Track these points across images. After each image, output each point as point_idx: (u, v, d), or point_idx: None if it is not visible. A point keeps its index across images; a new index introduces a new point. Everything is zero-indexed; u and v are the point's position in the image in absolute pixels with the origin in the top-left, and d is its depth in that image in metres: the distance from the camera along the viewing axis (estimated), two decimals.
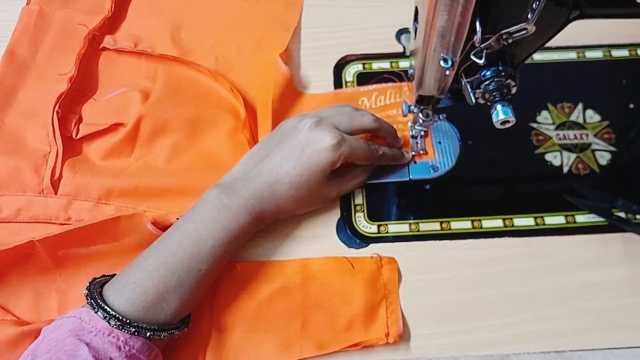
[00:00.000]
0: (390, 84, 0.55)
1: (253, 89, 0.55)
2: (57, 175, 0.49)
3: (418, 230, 0.48)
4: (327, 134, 0.43)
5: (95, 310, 0.37)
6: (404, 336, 0.44)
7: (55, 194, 0.48)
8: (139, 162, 0.51)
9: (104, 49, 0.56)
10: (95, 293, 0.38)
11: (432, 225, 0.49)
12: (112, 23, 0.58)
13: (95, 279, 0.40)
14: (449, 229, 0.48)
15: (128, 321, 0.37)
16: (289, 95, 0.54)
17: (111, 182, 0.48)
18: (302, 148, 0.44)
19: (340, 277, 0.45)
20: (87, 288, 0.39)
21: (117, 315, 0.37)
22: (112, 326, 0.36)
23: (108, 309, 0.37)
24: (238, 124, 0.52)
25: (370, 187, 0.50)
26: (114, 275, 0.41)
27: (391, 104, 0.52)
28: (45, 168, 0.49)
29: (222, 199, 0.42)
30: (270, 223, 0.47)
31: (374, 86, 0.55)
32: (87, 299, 0.38)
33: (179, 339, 0.42)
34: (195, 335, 0.43)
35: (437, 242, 0.48)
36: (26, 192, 0.48)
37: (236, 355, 0.43)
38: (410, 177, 0.51)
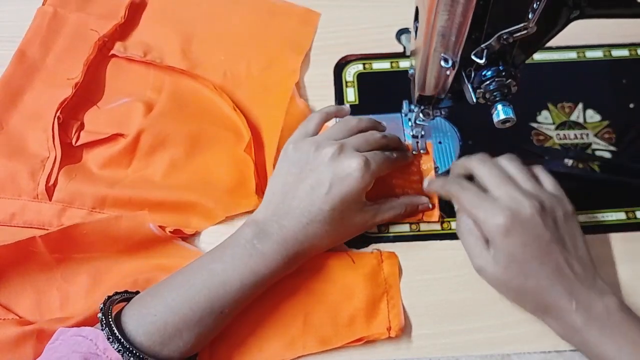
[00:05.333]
0: None
1: (258, 108, 0.54)
2: (52, 181, 0.48)
3: (418, 230, 0.48)
4: (352, 160, 0.42)
5: (111, 340, 0.36)
6: (405, 335, 0.44)
7: (50, 200, 0.48)
8: (136, 175, 0.50)
9: (114, 55, 0.56)
10: (110, 318, 0.37)
11: (433, 225, 0.49)
12: (124, 29, 0.58)
13: (108, 297, 0.40)
14: (449, 229, 0.48)
15: (142, 357, 0.36)
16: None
17: (106, 190, 0.48)
18: (330, 180, 0.42)
19: (341, 273, 0.46)
20: (101, 310, 0.38)
21: (132, 350, 0.36)
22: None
23: (124, 342, 0.36)
24: (238, 143, 0.52)
25: None
26: (126, 292, 0.41)
27: None
28: (41, 173, 0.49)
29: (255, 243, 0.41)
30: None
31: None
32: (102, 326, 0.37)
33: None
34: None
35: (438, 242, 0.48)
36: (21, 197, 0.48)
37: (239, 352, 0.43)
38: None
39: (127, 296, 0.41)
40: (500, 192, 0.41)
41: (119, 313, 0.39)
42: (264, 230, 0.42)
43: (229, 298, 0.40)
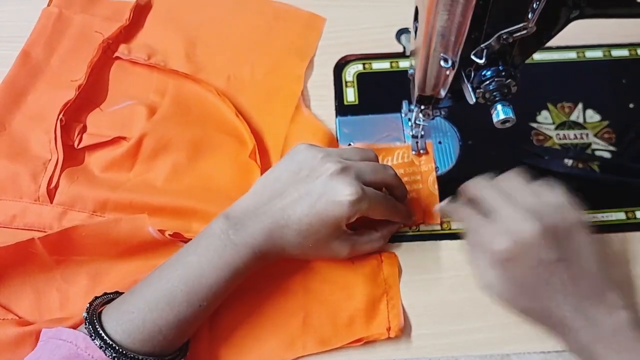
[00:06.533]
0: (398, 144, 0.52)
1: (261, 113, 0.54)
2: (54, 184, 0.48)
3: (418, 230, 0.49)
4: (348, 187, 0.40)
5: (93, 337, 0.36)
6: (404, 336, 0.44)
7: (51, 202, 0.48)
8: (137, 179, 0.50)
9: (118, 58, 0.56)
10: (95, 317, 0.37)
11: (432, 226, 0.49)
12: (128, 32, 0.57)
13: (96, 298, 0.40)
14: (449, 229, 0.48)
15: (124, 352, 0.36)
16: (305, 136, 0.52)
17: (107, 194, 0.48)
18: (319, 196, 0.40)
19: (340, 273, 0.46)
20: (86, 310, 0.38)
21: (113, 346, 0.36)
22: (108, 356, 0.36)
23: (105, 338, 0.36)
24: (241, 150, 0.51)
25: None
26: (115, 292, 0.41)
27: (399, 164, 0.50)
28: (43, 175, 0.49)
29: (230, 233, 0.40)
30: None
31: (382, 145, 0.52)
32: (85, 324, 0.37)
33: None
34: (197, 334, 0.43)
35: (437, 242, 0.48)
36: (22, 199, 0.48)
37: (238, 352, 0.43)
38: None
39: (115, 297, 0.40)
40: (501, 214, 0.40)
41: (101, 313, 0.39)
42: (241, 222, 0.41)
43: (206, 291, 0.39)
